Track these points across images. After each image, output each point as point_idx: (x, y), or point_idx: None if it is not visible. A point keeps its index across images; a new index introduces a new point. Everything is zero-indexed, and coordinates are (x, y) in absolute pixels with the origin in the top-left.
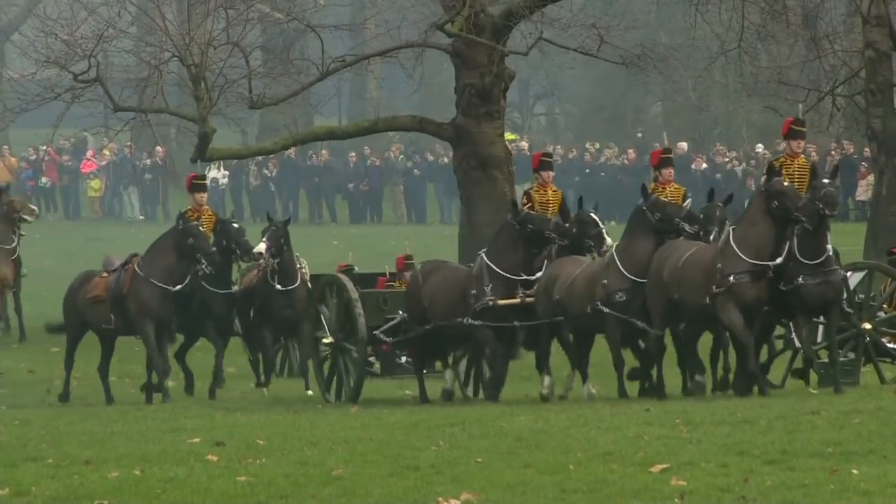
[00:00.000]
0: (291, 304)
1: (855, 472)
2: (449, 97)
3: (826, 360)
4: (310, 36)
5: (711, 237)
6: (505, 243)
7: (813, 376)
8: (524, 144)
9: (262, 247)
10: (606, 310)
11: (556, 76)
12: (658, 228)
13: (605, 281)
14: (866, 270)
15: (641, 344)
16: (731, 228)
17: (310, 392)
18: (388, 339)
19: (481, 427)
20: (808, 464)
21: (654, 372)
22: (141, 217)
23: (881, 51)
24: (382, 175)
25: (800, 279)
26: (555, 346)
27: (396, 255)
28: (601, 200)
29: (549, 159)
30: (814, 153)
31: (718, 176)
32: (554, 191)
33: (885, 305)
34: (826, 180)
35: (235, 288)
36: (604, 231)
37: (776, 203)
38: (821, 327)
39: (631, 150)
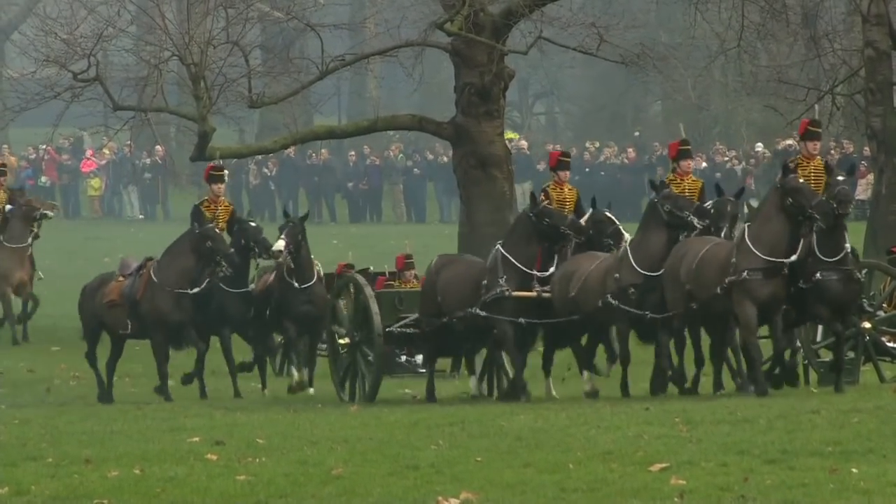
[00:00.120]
0: (310, 300)
1: (854, 471)
2: (448, 96)
3: (826, 359)
4: (309, 35)
5: (723, 233)
6: (521, 236)
7: (813, 375)
8: (524, 143)
9: (280, 244)
10: (616, 303)
11: (555, 75)
12: (668, 222)
13: (618, 275)
14: (866, 270)
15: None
16: (746, 225)
17: (311, 391)
18: (401, 331)
19: (481, 426)
20: (808, 463)
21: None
22: (140, 216)
23: (881, 50)
24: (382, 174)
25: (818, 275)
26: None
27: (396, 255)
28: (600, 200)
29: (567, 159)
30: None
31: (718, 175)
32: (570, 189)
33: (884, 304)
34: (841, 177)
35: (252, 286)
36: (620, 227)
37: (791, 200)
38: (820, 327)
39: (630, 150)
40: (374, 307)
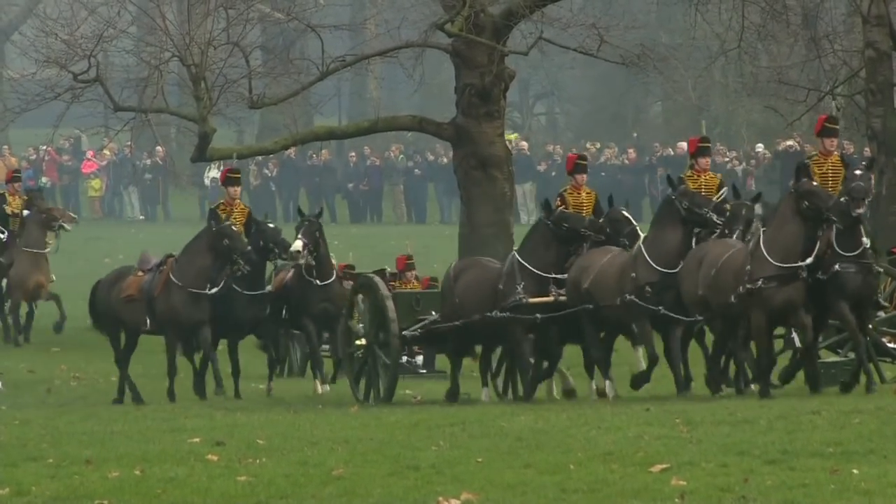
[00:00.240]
0: (329, 298)
1: (855, 471)
2: (449, 97)
3: (826, 360)
4: (310, 36)
5: (735, 235)
6: (538, 243)
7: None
8: (524, 144)
9: (298, 244)
10: (638, 301)
11: (556, 76)
12: (686, 219)
13: (634, 274)
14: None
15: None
16: (761, 231)
17: (324, 388)
18: (416, 333)
19: (481, 427)
20: (809, 464)
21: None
22: (141, 217)
23: (881, 50)
24: (382, 175)
25: (837, 266)
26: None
27: (396, 255)
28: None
29: (584, 162)
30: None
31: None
32: (588, 193)
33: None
34: (859, 172)
35: (269, 288)
36: (637, 228)
37: (807, 203)
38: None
39: (631, 150)
40: (391, 309)
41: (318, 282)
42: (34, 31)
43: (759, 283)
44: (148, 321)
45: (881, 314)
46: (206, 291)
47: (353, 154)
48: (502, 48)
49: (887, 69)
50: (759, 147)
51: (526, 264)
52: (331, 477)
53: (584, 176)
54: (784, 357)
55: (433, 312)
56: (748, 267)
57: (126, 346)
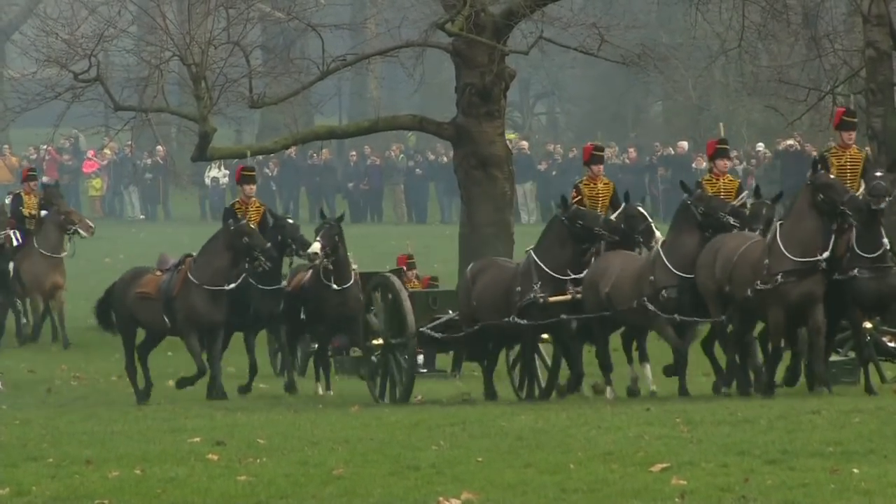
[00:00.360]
0: (345, 302)
1: (855, 471)
2: (449, 97)
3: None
4: (310, 35)
5: (756, 234)
6: (553, 241)
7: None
8: (524, 144)
9: (316, 247)
10: (652, 308)
11: (556, 75)
12: (702, 223)
13: (653, 277)
14: None
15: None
16: (778, 224)
17: (329, 393)
18: (436, 335)
19: (482, 427)
20: (809, 463)
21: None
22: (141, 216)
23: (882, 50)
24: (383, 174)
25: (855, 271)
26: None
27: (397, 255)
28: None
29: (601, 153)
30: (814, 152)
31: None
32: (605, 183)
33: None
34: (879, 173)
35: (284, 283)
36: (652, 225)
37: (822, 196)
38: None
39: (631, 150)
40: (408, 308)
41: (334, 286)
42: (34, 30)
43: (778, 278)
44: (166, 320)
45: None
46: (224, 288)
47: (354, 153)
48: (503, 48)
49: (888, 69)
50: (760, 146)
51: (542, 265)
52: (331, 477)
53: (601, 167)
54: (784, 358)
55: (450, 311)
56: (766, 261)
57: (144, 343)
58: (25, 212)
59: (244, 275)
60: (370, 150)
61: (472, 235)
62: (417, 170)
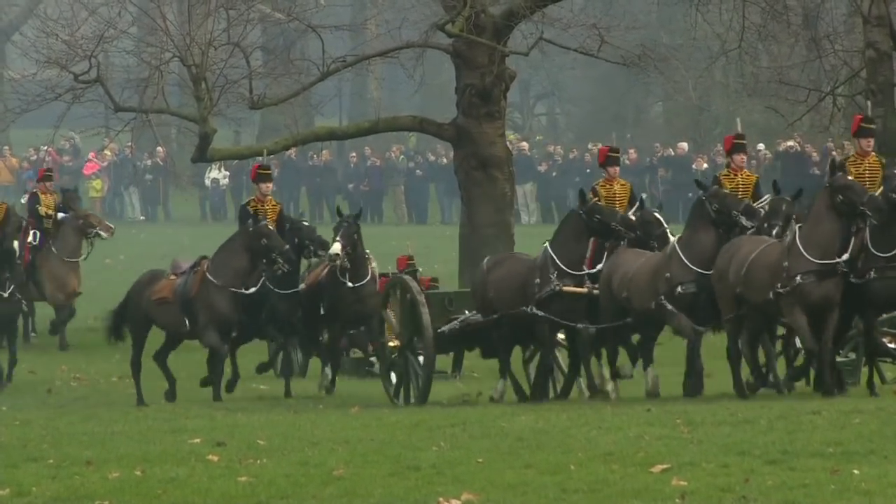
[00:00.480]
0: (362, 299)
1: (856, 472)
2: (450, 97)
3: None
4: (310, 36)
5: (774, 231)
6: (569, 235)
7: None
8: (524, 144)
9: (337, 247)
10: (669, 306)
11: (556, 76)
12: (716, 221)
13: (669, 274)
14: None
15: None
16: (797, 227)
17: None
18: (448, 329)
19: (482, 427)
20: (809, 464)
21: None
22: (142, 217)
23: (882, 51)
24: (383, 175)
25: (872, 273)
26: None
27: (397, 256)
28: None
29: (616, 154)
30: (814, 153)
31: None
32: (622, 185)
33: None
34: None
35: (302, 286)
36: (668, 231)
37: (841, 198)
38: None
39: (632, 150)
40: (425, 309)
41: (350, 283)
42: (35, 31)
43: (798, 279)
44: (186, 323)
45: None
46: (243, 291)
47: (354, 154)
48: (503, 49)
49: (888, 69)
50: (760, 147)
51: (556, 259)
52: (331, 477)
53: (617, 168)
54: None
55: (466, 312)
56: (785, 263)
57: (163, 348)
58: (42, 211)
59: (263, 279)
60: (370, 151)
61: (472, 236)
62: (418, 171)
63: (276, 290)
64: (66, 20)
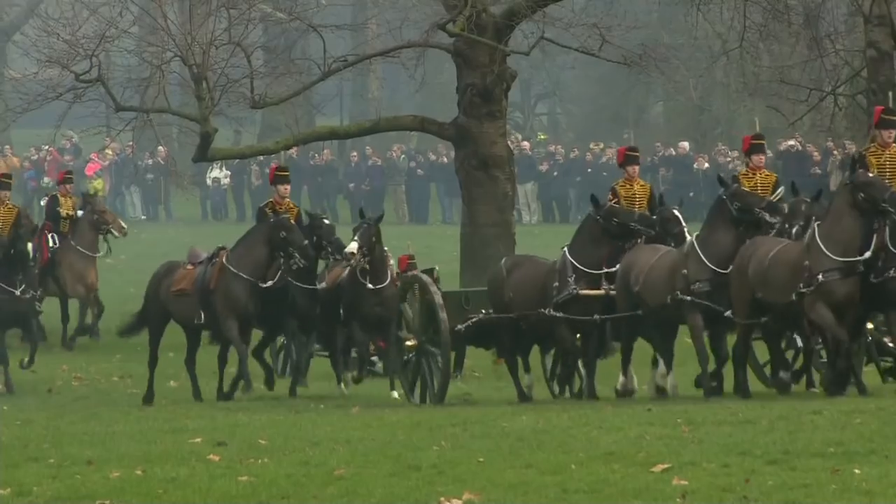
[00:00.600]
0: (382, 302)
1: (857, 471)
2: (451, 97)
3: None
4: (312, 36)
5: (794, 231)
6: (587, 239)
7: (816, 375)
8: (526, 144)
9: (353, 246)
10: (689, 298)
11: (557, 76)
12: (738, 219)
13: (686, 271)
14: None
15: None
16: (816, 224)
17: (395, 394)
18: (464, 327)
19: (483, 427)
20: (810, 464)
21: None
22: (143, 217)
23: (883, 50)
24: (384, 175)
25: (891, 272)
26: None
27: (398, 256)
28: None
29: (635, 153)
30: (815, 153)
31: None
32: (641, 185)
33: None
34: None
35: (323, 285)
36: (685, 230)
37: (862, 195)
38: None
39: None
40: (442, 308)
41: (370, 285)
42: (36, 30)
43: (820, 277)
44: (202, 314)
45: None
46: (262, 284)
47: (355, 154)
48: (504, 48)
49: (889, 69)
50: None
51: (576, 262)
52: (332, 477)
53: (636, 167)
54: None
55: (483, 311)
56: (806, 262)
57: (189, 349)
58: (63, 212)
59: (280, 272)
60: (371, 151)
61: (473, 236)
62: (419, 170)
63: (295, 282)
64: (67, 19)
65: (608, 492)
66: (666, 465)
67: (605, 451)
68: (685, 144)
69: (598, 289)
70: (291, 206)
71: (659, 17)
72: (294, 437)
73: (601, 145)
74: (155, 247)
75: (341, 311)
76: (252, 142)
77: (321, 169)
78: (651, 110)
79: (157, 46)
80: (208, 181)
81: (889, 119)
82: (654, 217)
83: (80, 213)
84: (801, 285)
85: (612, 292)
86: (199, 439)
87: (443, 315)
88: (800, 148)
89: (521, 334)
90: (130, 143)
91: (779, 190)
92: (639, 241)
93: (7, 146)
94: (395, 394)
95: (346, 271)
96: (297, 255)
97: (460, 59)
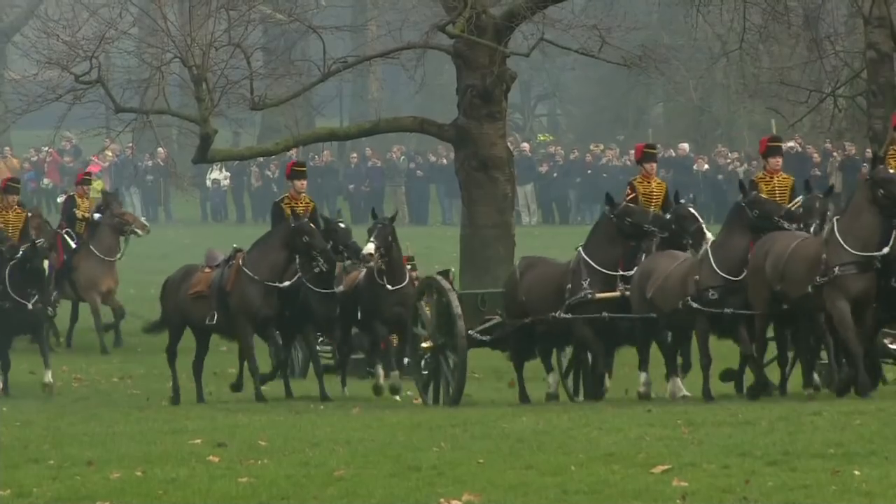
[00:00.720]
0: (401, 302)
1: (857, 473)
2: (450, 98)
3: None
4: (311, 37)
5: (812, 229)
6: (602, 238)
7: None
8: (525, 145)
9: (370, 247)
10: (696, 305)
11: (557, 77)
12: (757, 226)
13: (698, 277)
14: None
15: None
16: (835, 219)
17: (398, 398)
18: (484, 339)
19: (483, 428)
20: (810, 465)
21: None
22: (142, 218)
23: (882, 52)
24: (384, 176)
25: None
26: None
27: None
28: (602, 201)
29: (653, 150)
30: (815, 155)
31: (720, 177)
32: (658, 183)
33: None
34: None
35: (340, 288)
36: (703, 226)
37: (882, 191)
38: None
39: (632, 151)
40: (458, 310)
41: (389, 286)
42: (35, 32)
43: (837, 270)
44: (215, 315)
45: None
46: (278, 285)
47: (355, 155)
48: (504, 49)
49: (888, 70)
50: None
51: (591, 262)
52: (332, 478)
53: (654, 164)
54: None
55: (498, 312)
56: (824, 256)
57: (198, 352)
58: (79, 214)
59: (298, 274)
60: (371, 152)
61: (473, 237)
62: (418, 171)
63: (313, 287)
64: (66, 21)
65: (608, 493)
66: (666, 466)
67: (606, 453)
68: (685, 146)
69: (614, 290)
70: (308, 201)
71: (659, 18)
72: (294, 437)
73: (601, 146)
74: (154, 248)
75: (359, 314)
76: (252, 143)
77: (321, 170)
78: (651, 111)
79: (156, 48)
80: (208, 182)
81: None
82: (669, 217)
83: (96, 216)
84: (818, 277)
85: (627, 293)
86: (199, 440)
87: (460, 323)
88: (799, 149)
89: (541, 335)
90: (130, 144)
91: (798, 198)
92: (654, 241)
93: (7, 147)
94: (382, 380)
95: (363, 273)
96: (320, 259)
97: (460, 60)
